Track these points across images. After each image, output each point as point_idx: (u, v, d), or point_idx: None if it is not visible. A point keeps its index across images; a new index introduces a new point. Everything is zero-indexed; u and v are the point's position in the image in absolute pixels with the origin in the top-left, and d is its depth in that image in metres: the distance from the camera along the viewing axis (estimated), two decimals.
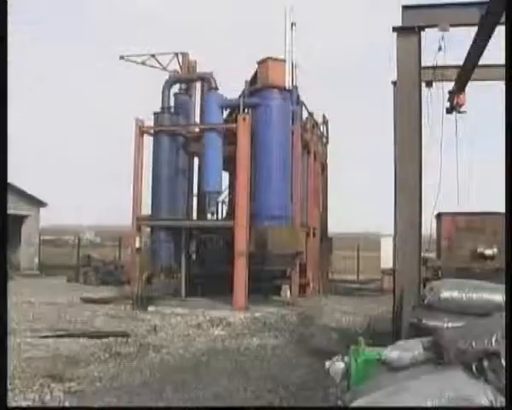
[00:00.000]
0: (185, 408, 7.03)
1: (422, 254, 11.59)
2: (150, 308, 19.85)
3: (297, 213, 22.06)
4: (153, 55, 24.73)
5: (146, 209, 22.62)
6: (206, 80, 23.07)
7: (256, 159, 21.16)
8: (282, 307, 20.65)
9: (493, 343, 4.28)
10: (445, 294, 5.62)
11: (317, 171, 26.94)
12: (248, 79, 22.85)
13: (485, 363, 3.97)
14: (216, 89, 22.39)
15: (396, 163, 11.21)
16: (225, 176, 24.68)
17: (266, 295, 22.65)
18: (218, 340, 14.87)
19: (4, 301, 3.94)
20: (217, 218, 23.54)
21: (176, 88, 23.88)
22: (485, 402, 3.70)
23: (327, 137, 30.78)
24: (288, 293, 22.85)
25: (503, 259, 11.59)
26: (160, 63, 24.65)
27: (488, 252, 11.50)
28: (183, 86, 24.07)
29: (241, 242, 20.08)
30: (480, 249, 11.51)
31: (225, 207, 26.07)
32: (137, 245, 21.91)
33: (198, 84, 24.70)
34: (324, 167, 29.92)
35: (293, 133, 22.28)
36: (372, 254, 32.66)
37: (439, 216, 12.50)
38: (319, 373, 10.52)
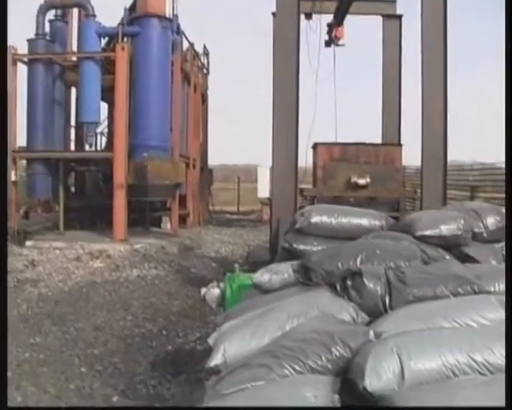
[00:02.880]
0: (187, 408, 7.03)
1: (299, 185, 11.91)
2: (28, 243, 19.38)
3: (176, 144, 21.93)
4: None
5: (21, 141, 21.84)
6: (83, 7, 22.20)
7: (135, 89, 20.75)
8: (162, 238, 20.68)
9: (358, 264, 4.50)
10: (315, 218, 5.79)
11: (197, 102, 26.79)
12: (127, 6, 22.23)
13: (349, 282, 4.17)
14: (93, 16, 21.64)
15: (274, 94, 11.34)
16: (104, 107, 24.16)
17: (146, 227, 22.61)
18: (98, 272, 14.77)
19: (4, 300, 3.71)
20: (95, 149, 23.10)
21: (51, 14, 22.86)
22: (347, 318, 3.90)
23: (207, 68, 30.58)
24: (169, 224, 22.89)
25: (374, 188, 12.11)
26: None
27: (361, 181, 11.87)
28: (59, 12, 23.04)
29: (120, 173, 19.84)
30: (353, 179, 11.86)
31: (104, 139, 25.57)
32: (13, 178, 21.20)
33: (75, 11, 23.78)
34: (205, 98, 29.78)
35: (173, 63, 21.96)
36: (252, 186, 33.09)
37: (315, 146, 12.77)
38: (198, 302, 10.71)
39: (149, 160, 19.99)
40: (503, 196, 15.76)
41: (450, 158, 11.26)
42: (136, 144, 20.46)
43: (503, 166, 18.27)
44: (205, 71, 30.23)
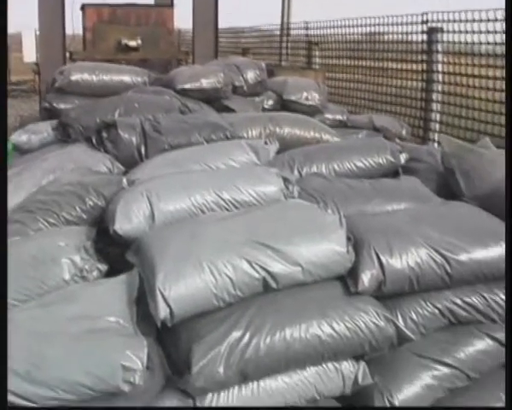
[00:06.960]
0: (188, 408, 6.38)
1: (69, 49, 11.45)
2: None
3: None
4: None
5: None
6: None
7: None
8: None
9: (116, 117, 4.49)
10: (75, 76, 5.66)
11: None
12: None
13: (104, 134, 4.16)
14: None
15: None
16: None
17: None
18: None
19: (4, 302, 3.15)
20: None
21: None
22: (103, 170, 3.93)
23: None
24: None
25: (146, 50, 11.94)
26: None
27: (132, 43, 11.60)
28: None
29: None
30: (124, 41, 11.57)
31: None
32: None
33: None
34: None
35: None
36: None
37: (83, 8, 12.26)
38: None
39: None
40: (278, 58, 16.04)
41: (228, 24, 11.27)
42: None
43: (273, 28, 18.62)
44: None
